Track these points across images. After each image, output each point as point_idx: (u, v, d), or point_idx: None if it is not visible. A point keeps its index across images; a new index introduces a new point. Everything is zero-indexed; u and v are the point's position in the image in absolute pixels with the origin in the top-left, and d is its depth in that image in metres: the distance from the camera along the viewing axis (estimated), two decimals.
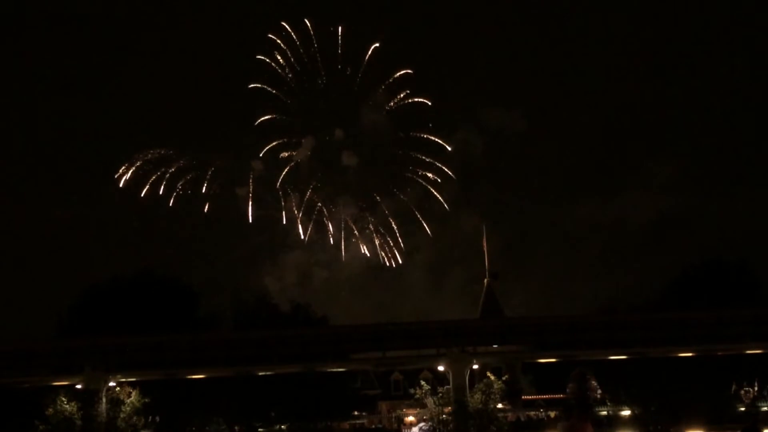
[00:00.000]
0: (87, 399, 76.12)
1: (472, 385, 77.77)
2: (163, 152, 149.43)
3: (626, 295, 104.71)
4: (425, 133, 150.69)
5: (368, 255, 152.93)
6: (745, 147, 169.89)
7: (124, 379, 78.58)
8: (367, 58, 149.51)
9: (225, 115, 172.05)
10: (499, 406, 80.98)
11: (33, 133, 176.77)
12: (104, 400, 76.77)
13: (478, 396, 76.34)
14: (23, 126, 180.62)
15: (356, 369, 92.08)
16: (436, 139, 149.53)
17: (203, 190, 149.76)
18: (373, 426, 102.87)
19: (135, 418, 77.90)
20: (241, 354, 79.42)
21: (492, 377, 77.72)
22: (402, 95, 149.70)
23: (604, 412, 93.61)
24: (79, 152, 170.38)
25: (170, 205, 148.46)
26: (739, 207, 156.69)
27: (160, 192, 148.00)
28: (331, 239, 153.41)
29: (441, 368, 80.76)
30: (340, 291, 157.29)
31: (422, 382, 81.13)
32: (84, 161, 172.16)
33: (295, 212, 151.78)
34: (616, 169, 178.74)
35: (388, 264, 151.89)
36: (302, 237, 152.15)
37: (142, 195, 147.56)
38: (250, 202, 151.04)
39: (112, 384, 77.73)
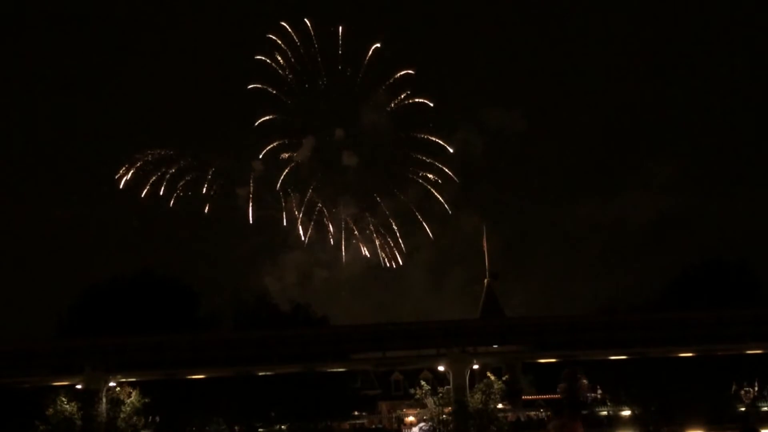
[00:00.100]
0: (87, 399, 76.14)
1: (472, 386, 77.78)
2: (163, 152, 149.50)
3: (626, 295, 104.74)
4: (425, 134, 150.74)
5: (368, 256, 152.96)
6: (745, 147, 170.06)
7: (124, 379, 78.61)
8: (367, 58, 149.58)
9: (225, 115, 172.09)
10: (500, 406, 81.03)
11: (33, 133, 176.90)
12: (104, 400, 76.80)
13: (478, 396, 76.35)
14: (23, 126, 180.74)
15: (356, 369, 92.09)
16: (437, 140, 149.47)
17: (203, 191, 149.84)
18: (374, 426, 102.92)
19: (135, 418, 77.93)
20: (241, 354, 79.44)
21: (492, 377, 77.73)
22: (402, 96, 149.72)
23: (604, 412, 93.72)
24: (79, 152, 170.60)
25: (170, 205, 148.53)
26: (739, 207, 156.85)
27: (161, 193, 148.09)
28: (332, 240, 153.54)
29: (441, 368, 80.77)
30: (341, 291, 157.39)
31: (422, 383, 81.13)
32: (84, 161, 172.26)
33: (296, 212, 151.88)
34: (616, 169, 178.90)
35: (388, 265, 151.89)
36: (302, 237, 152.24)
37: (143, 195, 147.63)
38: (251, 203, 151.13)
39: (112, 384, 77.77)
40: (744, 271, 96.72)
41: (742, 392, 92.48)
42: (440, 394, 78.50)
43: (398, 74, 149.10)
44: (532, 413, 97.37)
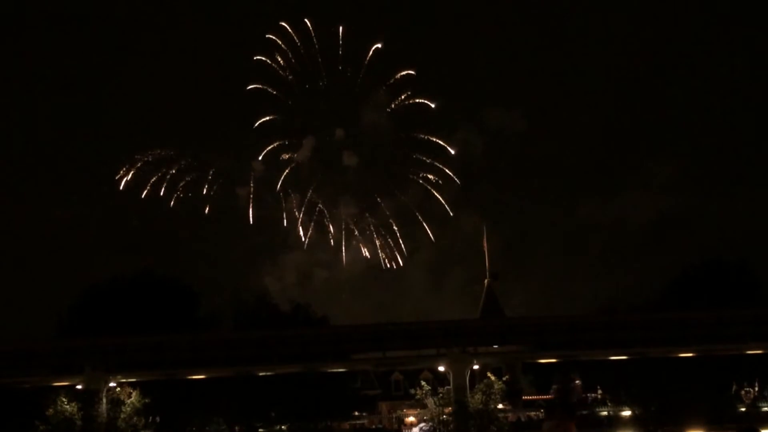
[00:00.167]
0: (87, 399, 76.12)
1: (472, 386, 77.75)
2: (163, 153, 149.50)
3: (626, 295, 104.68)
4: (426, 134, 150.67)
5: (368, 256, 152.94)
6: (745, 147, 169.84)
7: (124, 380, 78.58)
8: (367, 58, 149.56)
9: (225, 115, 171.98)
10: (500, 406, 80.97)
11: (33, 133, 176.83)
12: (104, 400, 76.77)
13: (478, 396, 76.30)
14: (23, 126, 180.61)
15: (356, 369, 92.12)
16: (439, 141, 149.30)
17: (203, 191, 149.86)
18: (374, 426, 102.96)
19: (135, 418, 77.84)
20: (241, 354, 79.42)
21: (492, 377, 77.67)
22: (403, 96, 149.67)
23: (604, 412, 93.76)
24: (79, 152, 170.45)
25: (170, 205, 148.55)
26: (739, 207, 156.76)
27: (161, 193, 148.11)
28: (332, 241, 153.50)
29: (441, 368, 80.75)
30: (341, 291, 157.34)
31: (422, 383, 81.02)
32: (84, 161, 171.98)
33: (296, 213, 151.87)
34: (616, 169, 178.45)
35: (388, 265, 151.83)
36: (303, 238, 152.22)
37: (143, 196, 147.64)
38: (251, 203, 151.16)
39: (112, 384, 77.75)
40: (744, 271, 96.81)
41: (743, 392, 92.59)
42: (440, 395, 78.45)
43: (398, 74, 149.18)
44: (533, 413, 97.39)
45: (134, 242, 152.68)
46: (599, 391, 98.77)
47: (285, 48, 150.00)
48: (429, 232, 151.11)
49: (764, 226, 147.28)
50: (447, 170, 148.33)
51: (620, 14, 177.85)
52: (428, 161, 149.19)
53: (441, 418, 77.49)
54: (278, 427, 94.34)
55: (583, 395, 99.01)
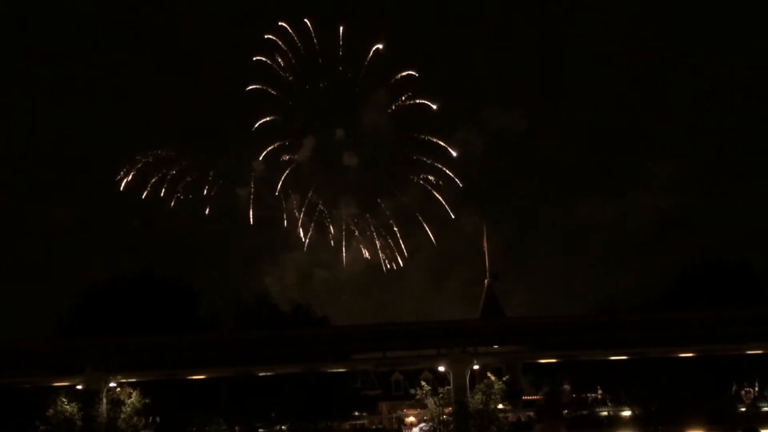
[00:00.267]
0: (87, 399, 76.08)
1: (472, 386, 77.74)
2: (163, 153, 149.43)
3: (626, 295, 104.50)
4: (426, 134, 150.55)
5: (369, 258, 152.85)
6: (745, 147, 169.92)
7: (124, 380, 78.55)
8: (368, 58, 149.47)
9: (226, 115, 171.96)
10: (500, 406, 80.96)
11: (33, 133, 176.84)
12: (105, 400, 76.74)
13: (478, 396, 76.29)
14: (23, 126, 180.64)
15: (357, 369, 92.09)
16: (441, 143, 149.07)
17: (204, 192, 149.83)
18: (374, 426, 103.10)
19: (135, 418, 77.81)
20: (242, 354, 79.39)
21: (492, 378, 77.66)
22: (403, 97, 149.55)
23: (604, 413, 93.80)
24: (79, 152, 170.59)
25: (171, 206, 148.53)
26: (739, 207, 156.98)
27: (161, 194, 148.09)
28: (332, 241, 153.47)
29: (441, 369, 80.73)
30: (341, 291, 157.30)
31: (423, 383, 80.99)
32: (84, 161, 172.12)
33: (296, 213, 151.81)
34: (616, 169, 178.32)
35: (388, 266, 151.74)
36: (303, 238, 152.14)
37: (143, 197, 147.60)
38: (251, 203, 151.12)
39: (112, 384, 77.72)
40: (744, 271, 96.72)
41: (743, 392, 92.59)
42: (441, 395, 78.42)
43: (399, 75, 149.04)
44: (533, 413, 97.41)
45: (134, 242, 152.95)
46: (599, 391, 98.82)
47: (285, 48, 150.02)
48: (429, 232, 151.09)
49: (764, 226, 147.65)
50: (448, 171, 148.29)
51: (620, 14, 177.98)
52: (428, 162, 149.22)
53: (441, 418, 77.47)
54: (278, 427, 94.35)
55: (572, 396, 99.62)
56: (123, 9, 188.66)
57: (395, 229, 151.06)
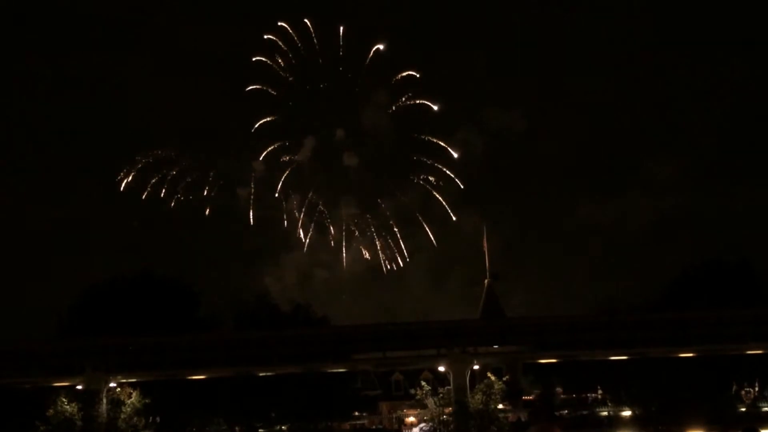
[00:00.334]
0: (87, 400, 76.08)
1: (472, 386, 77.71)
2: (163, 154, 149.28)
3: (626, 295, 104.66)
4: (427, 135, 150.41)
5: (369, 258, 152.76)
6: (745, 147, 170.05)
7: (124, 380, 78.54)
8: (368, 59, 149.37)
9: (226, 116, 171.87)
10: (500, 406, 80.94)
11: (33, 133, 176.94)
12: (105, 400, 76.75)
13: (478, 396, 76.28)
14: (23, 126, 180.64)
15: (357, 369, 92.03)
16: (443, 144, 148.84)
17: (204, 193, 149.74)
18: (374, 426, 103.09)
19: (135, 418, 77.80)
20: (242, 354, 79.39)
21: (492, 378, 77.66)
22: (404, 98, 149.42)
23: (605, 413, 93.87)
24: (79, 152, 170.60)
25: (171, 206, 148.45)
26: (739, 207, 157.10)
27: (161, 195, 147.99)
28: (332, 242, 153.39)
29: (441, 369, 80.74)
30: (341, 291, 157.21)
31: (423, 383, 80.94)
32: (84, 161, 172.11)
33: (296, 213, 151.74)
34: (616, 169, 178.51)
35: (388, 267, 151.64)
36: (303, 238, 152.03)
37: (143, 198, 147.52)
38: (251, 203, 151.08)
39: (112, 385, 77.72)
40: (744, 271, 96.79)
41: (743, 392, 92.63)
42: (441, 395, 78.40)
43: (399, 75, 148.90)
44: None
45: (134, 242, 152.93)
46: (599, 391, 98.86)
47: (285, 48, 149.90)
48: (429, 233, 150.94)
49: (764, 226, 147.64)
50: (448, 172, 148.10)
51: (620, 14, 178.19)
52: (429, 162, 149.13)
53: (441, 418, 77.46)
54: (278, 427, 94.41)
55: (563, 398, 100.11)
56: (123, 9, 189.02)
57: (395, 229, 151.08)
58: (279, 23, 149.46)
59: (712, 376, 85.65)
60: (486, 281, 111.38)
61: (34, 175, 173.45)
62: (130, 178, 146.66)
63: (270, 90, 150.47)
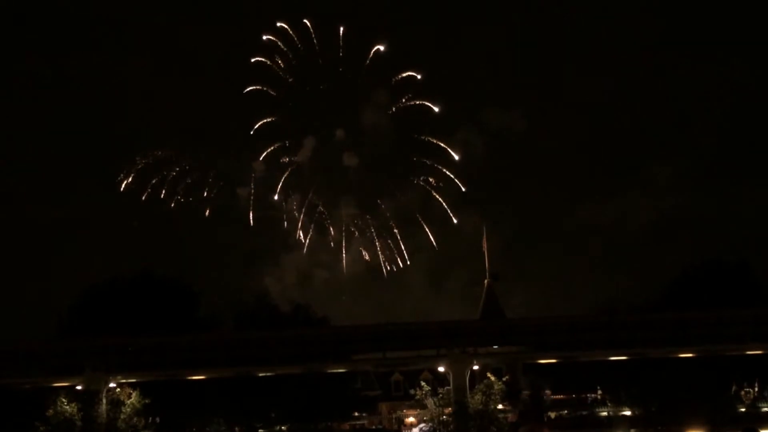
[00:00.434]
0: (87, 400, 76.11)
1: (472, 386, 77.73)
2: (163, 154, 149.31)
3: (626, 295, 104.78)
4: (427, 136, 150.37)
5: (368, 259, 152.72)
6: (745, 147, 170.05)
7: (124, 380, 78.59)
8: (368, 59, 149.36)
9: (225, 116, 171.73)
10: (500, 407, 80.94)
11: (33, 133, 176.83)
12: (104, 401, 76.80)
13: (478, 397, 76.28)
14: (23, 126, 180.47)
15: (356, 370, 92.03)
16: (443, 145, 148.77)
17: (204, 193, 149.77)
18: (374, 427, 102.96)
19: (135, 419, 77.86)
20: (242, 355, 79.42)
21: (492, 378, 77.67)
22: (404, 98, 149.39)
23: (604, 413, 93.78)
24: (79, 152, 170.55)
25: (171, 206, 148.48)
26: (739, 207, 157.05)
27: (161, 196, 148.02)
28: (332, 242, 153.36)
29: (441, 369, 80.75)
30: (341, 292, 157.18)
31: (422, 383, 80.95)
32: (84, 161, 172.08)
33: (296, 214, 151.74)
34: (616, 169, 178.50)
35: (388, 268, 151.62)
36: (303, 239, 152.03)
37: (143, 198, 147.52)
38: (251, 204, 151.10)
39: (112, 385, 77.77)
40: (744, 271, 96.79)
41: (743, 392, 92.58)
42: (440, 395, 78.41)
43: (400, 76, 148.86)
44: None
45: (134, 242, 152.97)
46: (599, 391, 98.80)
47: (285, 49, 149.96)
48: (429, 234, 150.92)
49: (764, 226, 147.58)
50: (448, 173, 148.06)
51: (620, 14, 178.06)
52: (429, 163, 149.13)
53: (441, 418, 77.45)
54: (278, 427, 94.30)
55: (552, 399, 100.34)
56: (123, 9, 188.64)
57: (395, 230, 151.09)
58: (278, 24, 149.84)
59: (712, 377, 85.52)
60: (486, 281, 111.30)
61: (34, 175, 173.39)
62: (130, 178, 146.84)
63: (270, 90, 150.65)
